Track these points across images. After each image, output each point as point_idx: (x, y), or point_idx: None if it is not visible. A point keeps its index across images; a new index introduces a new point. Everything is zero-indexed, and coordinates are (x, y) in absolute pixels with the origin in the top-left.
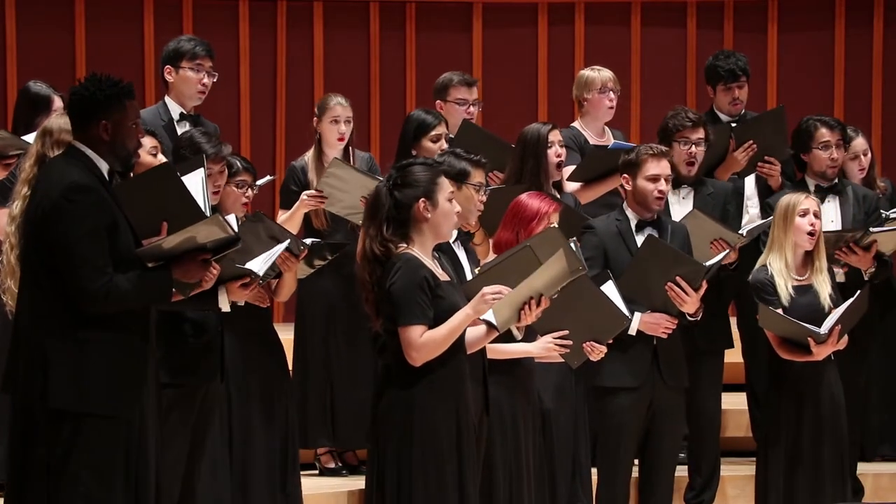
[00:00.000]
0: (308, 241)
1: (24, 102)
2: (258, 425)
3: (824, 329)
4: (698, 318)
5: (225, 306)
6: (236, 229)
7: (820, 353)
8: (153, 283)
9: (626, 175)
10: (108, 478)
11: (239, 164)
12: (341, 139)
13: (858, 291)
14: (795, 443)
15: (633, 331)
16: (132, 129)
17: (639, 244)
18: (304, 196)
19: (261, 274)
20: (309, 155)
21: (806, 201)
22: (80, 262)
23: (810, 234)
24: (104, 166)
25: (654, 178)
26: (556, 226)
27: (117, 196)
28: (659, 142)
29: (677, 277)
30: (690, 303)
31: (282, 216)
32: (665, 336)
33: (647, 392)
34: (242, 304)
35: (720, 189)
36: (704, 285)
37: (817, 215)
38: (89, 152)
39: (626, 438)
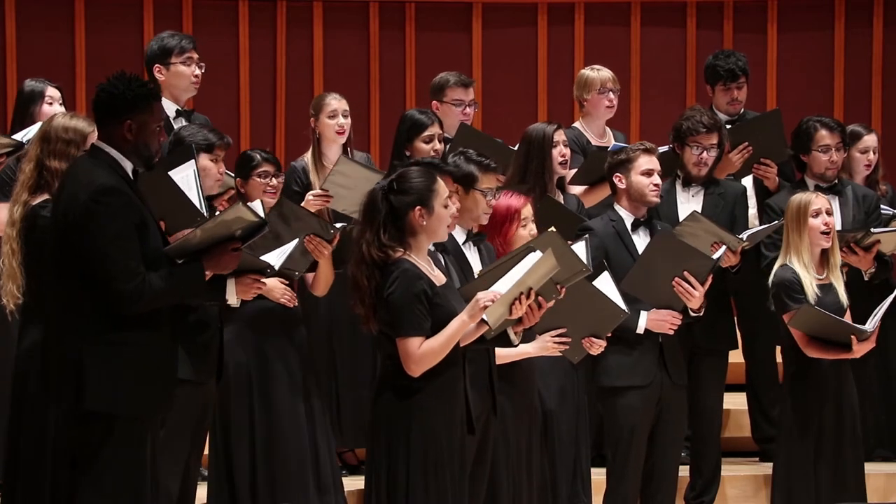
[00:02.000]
0: (339, 225)
1: (19, 101)
2: (285, 427)
3: (870, 326)
4: (700, 314)
5: (233, 299)
6: (262, 214)
7: (860, 350)
8: (186, 278)
9: (618, 174)
10: (131, 478)
11: (259, 156)
12: (341, 132)
13: None
14: (819, 441)
15: (640, 329)
16: (156, 131)
17: (636, 243)
18: (309, 197)
19: (277, 267)
20: (308, 156)
21: (817, 200)
22: (113, 264)
23: (825, 233)
24: (128, 165)
25: (648, 173)
26: (555, 229)
27: (143, 195)
28: (671, 141)
29: (685, 272)
30: (697, 298)
31: None
32: (672, 332)
33: (655, 390)
34: (238, 303)
35: (730, 190)
36: (710, 279)
37: (829, 213)
38: (113, 152)
39: (638, 438)
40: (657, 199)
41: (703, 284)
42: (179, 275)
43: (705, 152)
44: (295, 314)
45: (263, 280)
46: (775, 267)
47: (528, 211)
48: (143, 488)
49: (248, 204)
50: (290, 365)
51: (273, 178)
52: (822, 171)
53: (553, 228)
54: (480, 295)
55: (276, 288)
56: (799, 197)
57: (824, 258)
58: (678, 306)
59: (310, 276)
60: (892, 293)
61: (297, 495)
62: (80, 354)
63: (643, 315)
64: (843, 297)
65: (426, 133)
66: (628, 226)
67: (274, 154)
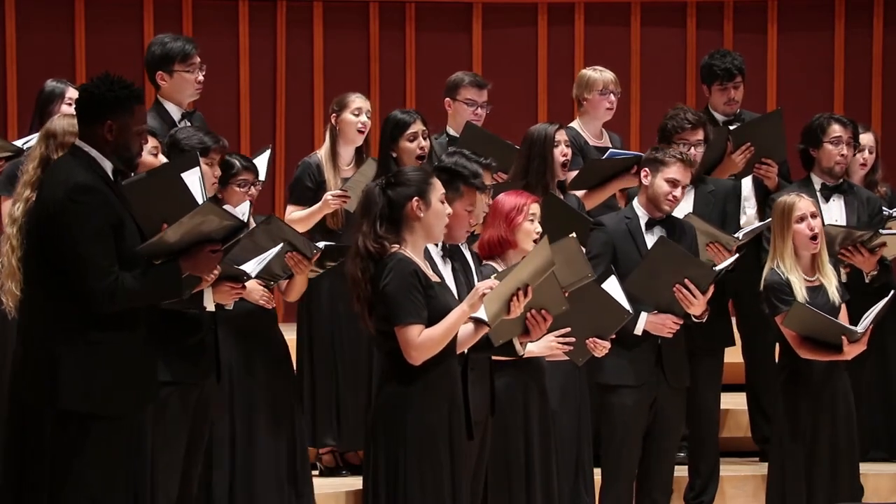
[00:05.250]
0: (321, 244)
1: (39, 100)
2: (263, 427)
3: (861, 328)
4: (703, 320)
5: (210, 305)
6: (241, 216)
7: (851, 352)
8: (161, 279)
9: (647, 169)
10: (112, 478)
11: (238, 163)
12: (363, 130)
13: (893, 291)
14: (814, 443)
15: (638, 331)
16: (137, 133)
17: (648, 242)
18: (328, 197)
19: (253, 275)
20: (322, 152)
21: (801, 203)
22: (86, 262)
23: (813, 238)
24: (108, 165)
25: (673, 182)
26: (574, 235)
27: (124, 195)
28: (658, 141)
29: (686, 280)
30: (697, 305)
31: (297, 213)
32: (670, 336)
33: (649, 391)
34: (231, 306)
35: (721, 187)
36: (712, 288)
37: (815, 216)
38: (93, 152)
39: (630, 437)
40: (669, 210)
41: (704, 293)
42: (154, 275)
43: (692, 149)
44: (271, 315)
45: (242, 286)
46: (765, 271)
47: (536, 208)
48: (122, 488)
49: (225, 206)
50: (269, 365)
51: (252, 187)
52: (831, 166)
53: (573, 234)
54: (479, 284)
55: (255, 290)
56: (783, 200)
57: (813, 259)
58: (679, 311)
59: (283, 282)
60: (887, 296)
61: (275, 498)
62: (56, 354)
63: (643, 316)
64: (835, 296)
65: (409, 131)
66: (642, 224)
67: (273, 155)
